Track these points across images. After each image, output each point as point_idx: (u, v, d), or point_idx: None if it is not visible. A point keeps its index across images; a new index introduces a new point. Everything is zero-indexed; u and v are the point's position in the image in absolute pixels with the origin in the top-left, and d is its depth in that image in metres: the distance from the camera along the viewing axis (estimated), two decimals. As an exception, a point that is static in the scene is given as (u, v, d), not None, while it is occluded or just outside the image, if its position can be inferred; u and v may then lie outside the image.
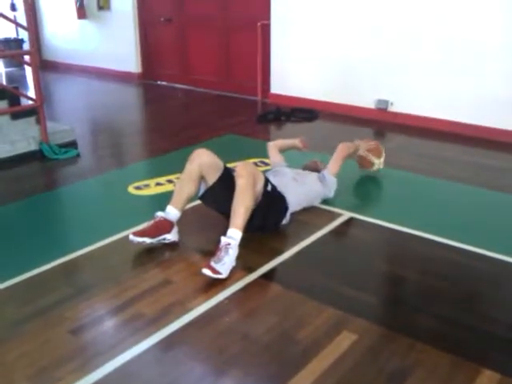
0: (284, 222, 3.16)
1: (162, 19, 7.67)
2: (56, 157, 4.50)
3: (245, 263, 2.73)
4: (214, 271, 2.55)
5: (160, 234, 2.90)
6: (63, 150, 4.60)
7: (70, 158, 4.54)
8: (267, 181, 2.98)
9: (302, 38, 6.15)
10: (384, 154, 3.97)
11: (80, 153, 4.64)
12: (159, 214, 2.95)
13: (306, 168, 3.71)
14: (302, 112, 5.86)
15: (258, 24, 6.47)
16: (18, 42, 8.97)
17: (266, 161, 4.06)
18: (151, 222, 2.93)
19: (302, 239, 3.04)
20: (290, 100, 6.28)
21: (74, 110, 6.39)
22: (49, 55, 9.38)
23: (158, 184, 3.89)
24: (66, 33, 8.99)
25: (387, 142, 4.98)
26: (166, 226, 2.92)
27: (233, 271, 2.64)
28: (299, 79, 6.34)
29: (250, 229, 2.79)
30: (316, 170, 3.65)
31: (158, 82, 8.00)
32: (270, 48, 6.46)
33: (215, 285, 2.56)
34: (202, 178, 3.00)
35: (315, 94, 6.17)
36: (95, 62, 8.64)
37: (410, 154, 4.62)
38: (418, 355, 2.11)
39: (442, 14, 5.12)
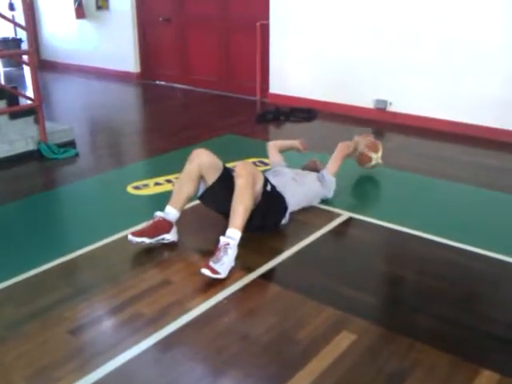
0: (283, 221, 3.16)
1: (161, 19, 7.66)
2: (54, 156, 4.49)
3: (244, 263, 2.73)
4: (213, 271, 2.55)
5: (159, 234, 2.90)
6: (62, 149, 4.60)
7: (69, 157, 4.53)
8: (266, 181, 2.97)
9: (300, 37, 6.15)
10: (381, 149, 3.97)
11: (79, 152, 4.64)
12: (158, 213, 2.94)
13: (305, 168, 3.71)
14: (301, 112, 5.86)
15: (257, 24, 6.46)
16: (17, 42, 8.96)
17: (265, 160, 4.06)
18: (150, 222, 2.92)
19: (302, 239, 3.04)
20: (289, 100, 6.28)
21: (72, 110, 6.39)
22: (47, 55, 9.37)
23: (156, 184, 3.88)
24: (64, 33, 8.98)
25: (386, 141, 4.97)
26: (165, 226, 2.92)
27: (232, 271, 2.63)
28: (298, 79, 6.34)
29: (249, 229, 2.79)
30: (315, 169, 3.65)
31: (157, 82, 8.00)
32: (269, 48, 6.46)
33: (214, 285, 2.56)
34: (201, 178, 3.00)
35: (314, 94, 6.17)
36: (94, 62, 8.63)
37: (409, 154, 4.63)
38: (417, 355, 2.11)
39: (441, 14, 5.12)
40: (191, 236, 3.09)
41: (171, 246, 2.95)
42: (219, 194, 2.96)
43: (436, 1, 5.13)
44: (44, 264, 2.77)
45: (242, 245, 2.70)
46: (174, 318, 2.33)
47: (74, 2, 8.45)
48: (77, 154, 4.60)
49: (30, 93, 5.19)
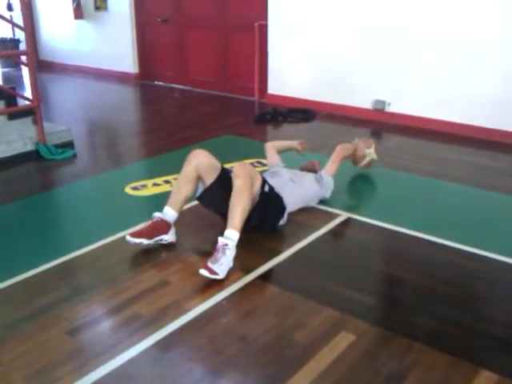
0: (281, 222, 3.16)
1: (159, 19, 7.66)
2: (53, 157, 4.49)
3: (242, 264, 2.73)
4: (212, 272, 2.55)
5: (157, 235, 2.90)
6: (60, 150, 4.59)
7: (67, 158, 4.53)
8: (264, 181, 2.98)
9: (299, 38, 6.15)
10: (373, 144, 3.99)
11: (77, 153, 4.63)
12: (156, 214, 2.94)
13: (303, 168, 3.71)
14: (299, 112, 5.87)
15: (255, 24, 6.47)
16: (15, 42, 8.95)
17: (263, 161, 4.06)
18: (148, 223, 2.92)
19: (300, 240, 3.04)
20: (287, 100, 6.28)
21: (70, 111, 6.38)
22: (45, 55, 9.36)
23: (155, 184, 3.88)
24: (62, 33, 8.97)
25: (384, 142, 4.99)
26: (163, 226, 2.91)
27: (230, 272, 2.63)
28: (296, 80, 6.34)
29: (247, 229, 2.79)
30: (313, 170, 3.65)
31: (155, 83, 7.99)
32: (268, 48, 6.46)
33: (212, 286, 2.56)
34: (199, 179, 3.00)
35: (312, 95, 6.17)
36: (92, 63, 8.63)
37: (408, 155, 4.63)
38: (415, 356, 2.11)
39: (438, 15, 5.13)
40: (189, 237, 3.09)
41: (169, 246, 2.95)
42: (217, 195, 2.96)
43: (433, 3, 5.13)
44: (42, 265, 2.77)
45: (240, 245, 2.70)
46: (173, 319, 2.33)
47: (73, 3, 8.44)
48: (75, 155, 4.60)
49: (28, 93, 5.20)
